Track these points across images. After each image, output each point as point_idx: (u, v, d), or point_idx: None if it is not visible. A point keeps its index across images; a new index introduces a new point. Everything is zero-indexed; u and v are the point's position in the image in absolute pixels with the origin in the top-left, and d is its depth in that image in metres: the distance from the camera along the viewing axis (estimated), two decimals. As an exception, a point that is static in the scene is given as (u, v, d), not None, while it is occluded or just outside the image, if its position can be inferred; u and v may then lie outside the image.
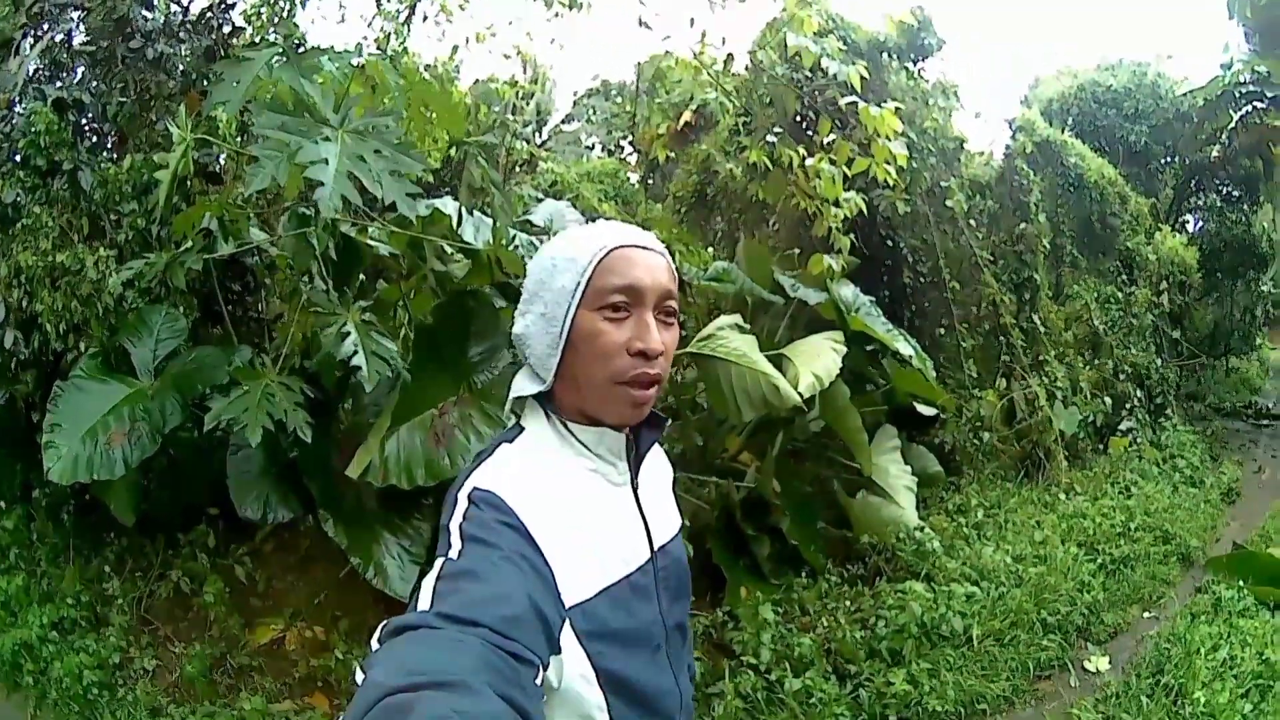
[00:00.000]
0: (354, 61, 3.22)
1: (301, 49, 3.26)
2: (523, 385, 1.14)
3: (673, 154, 8.29)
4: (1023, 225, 8.16)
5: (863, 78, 5.39)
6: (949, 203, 7.19)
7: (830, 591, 4.68)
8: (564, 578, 0.99)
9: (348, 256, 3.96)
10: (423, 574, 1.07)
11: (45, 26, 5.00)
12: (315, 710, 3.71)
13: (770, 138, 5.50)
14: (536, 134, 16.63)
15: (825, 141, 5.29)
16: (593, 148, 18.17)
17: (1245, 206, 13.88)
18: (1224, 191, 14.16)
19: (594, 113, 18.00)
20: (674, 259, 1.18)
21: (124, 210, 4.52)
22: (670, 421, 1.23)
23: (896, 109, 5.23)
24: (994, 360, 7.60)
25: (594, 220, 1.24)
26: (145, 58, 4.80)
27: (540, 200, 5.84)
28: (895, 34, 7.11)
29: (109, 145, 5.17)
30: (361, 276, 4.46)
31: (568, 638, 0.97)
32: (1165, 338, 10.92)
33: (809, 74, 5.99)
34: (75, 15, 5.03)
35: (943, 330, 7.25)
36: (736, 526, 4.93)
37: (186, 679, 3.88)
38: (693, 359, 4.50)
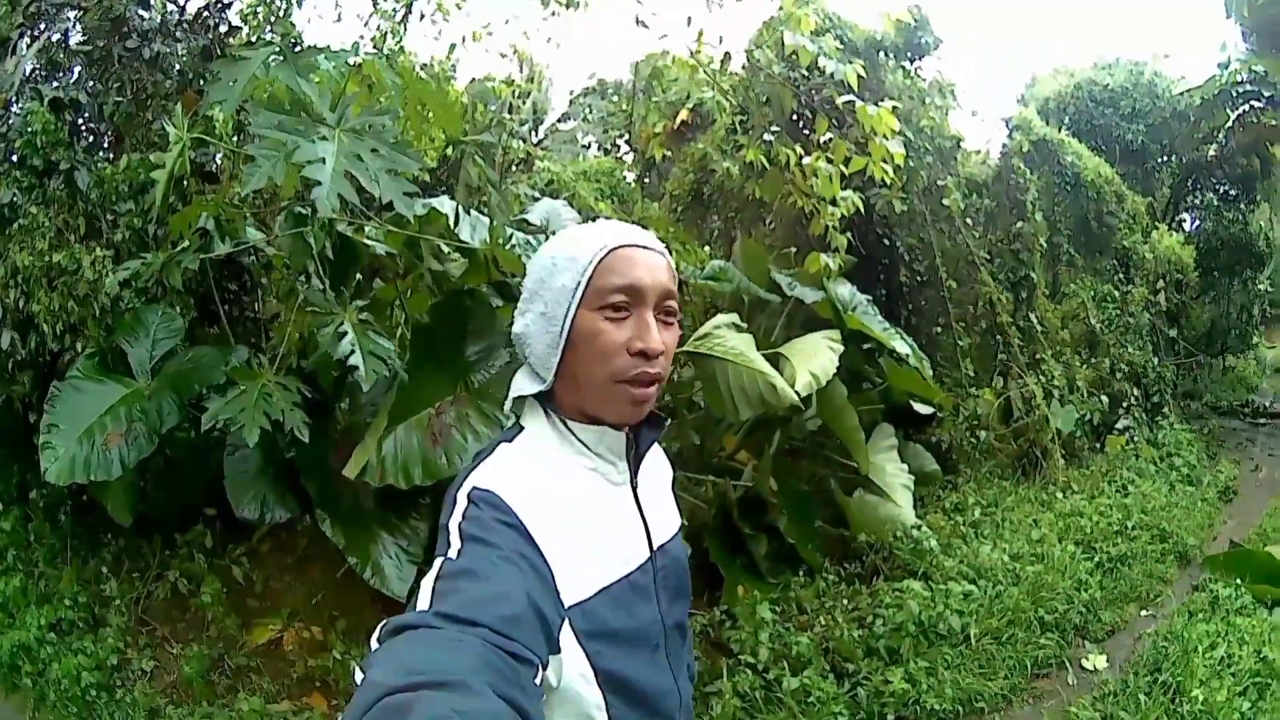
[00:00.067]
0: (351, 60, 3.21)
1: (298, 48, 3.25)
2: (522, 385, 1.14)
3: (669, 153, 8.28)
4: (1019, 224, 8.17)
5: (860, 76, 5.39)
6: (946, 201, 7.20)
7: (828, 590, 4.67)
8: (563, 577, 0.99)
9: (344, 256, 3.95)
10: (421, 574, 1.07)
11: (42, 26, 4.98)
12: (313, 710, 3.71)
13: (767, 136, 5.49)
14: (533, 133, 16.64)
15: (822, 140, 5.28)
16: (589, 146, 18.20)
17: (1242, 205, 13.91)
18: (1221, 190, 14.18)
19: (590, 111, 18.01)
20: (671, 258, 1.18)
21: (120, 210, 4.51)
22: (669, 421, 1.23)
23: (894, 108, 5.22)
24: (991, 359, 7.62)
25: (591, 219, 1.24)
26: (142, 57, 4.80)
27: (537, 199, 5.85)
28: (892, 33, 7.12)
29: (105, 145, 5.16)
30: (358, 276, 4.45)
31: (567, 637, 0.97)
32: (1162, 336, 10.93)
33: (806, 73, 5.99)
34: (72, 15, 5.01)
35: (939, 329, 7.26)
36: (734, 525, 4.93)
37: (184, 680, 3.88)
38: (690, 358, 4.49)
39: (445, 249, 4.28)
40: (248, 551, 4.43)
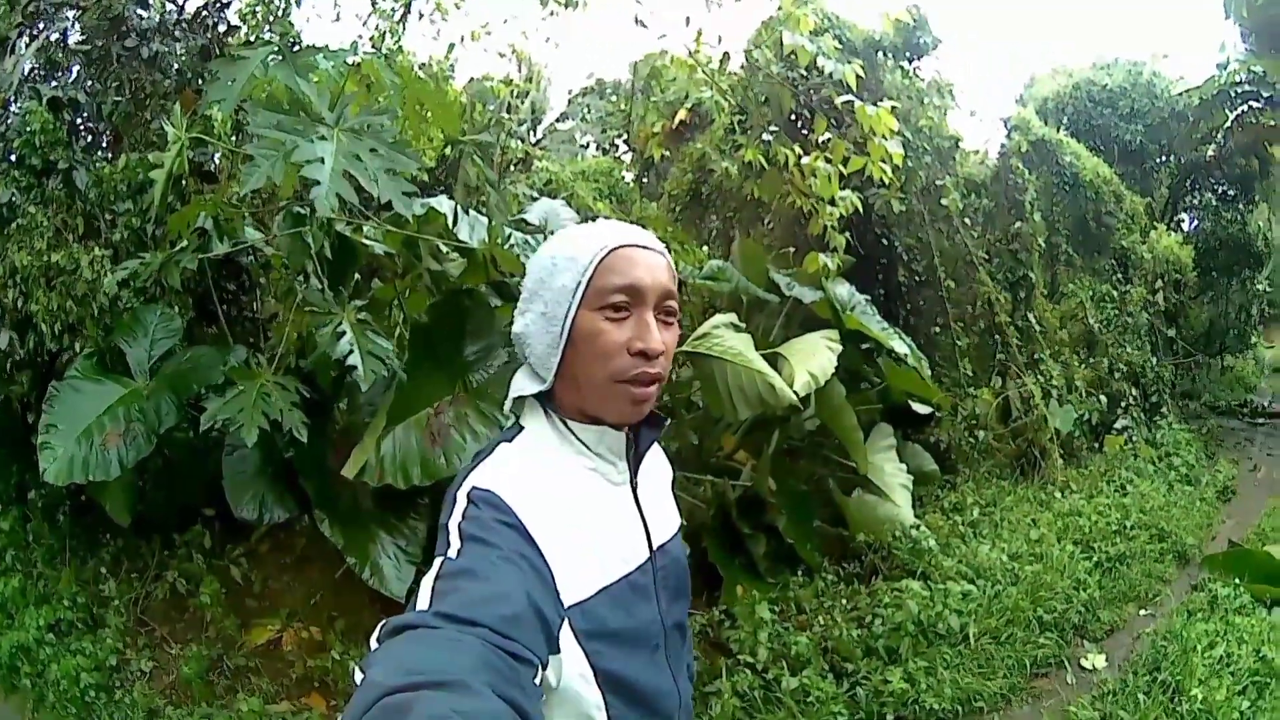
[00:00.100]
0: (349, 60, 3.21)
1: (297, 47, 3.24)
2: (522, 384, 1.14)
3: (668, 152, 8.28)
4: (1018, 224, 8.18)
5: (858, 76, 5.40)
6: (944, 201, 7.20)
7: (826, 590, 4.67)
8: (563, 577, 0.99)
9: (343, 255, 3.94)
10: (420, 574, 1.07)
11: (41, 25, 4.98)
12: (312, 711, 3.70)
13: (766, 136, 5.49)
14: (531, 132, 16.65)
15: (821, 140, 5.28)
16: (587, 146, 18.19)
17: (1241, 205, 13.93)
18: (1219, 190, 14.20)
19: (589, 111, 18.02)
20: (670, 258, 1.18)
21: (119, 210, 4.51)
22: (669, 421, 1.23)
23: (892, 108, 5.23)
24: (989, 359, 7.62)
25: (590, 219, 1.24)
26: (140, 56, 4.80)
27: (535, 199, 5.84)
28: (891, 33, 7.11)
29: (104, 144, 5.16)
30: (357, 275, 4.44)
31: (566, 637, 0.97)
32: (1160, 336, 10.95)
33: (805, 73, 5.99)
34: (70, 14, 5.01)
35: (938, 329, 7.26)
36: (732, 525, 4.93)
37: (183, 680, 3.87)
38: (688, 358, 4.49)
39: (444, 249, 4.27)
40: (246, 552, 4.43)
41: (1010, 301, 7.89)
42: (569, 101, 18.51)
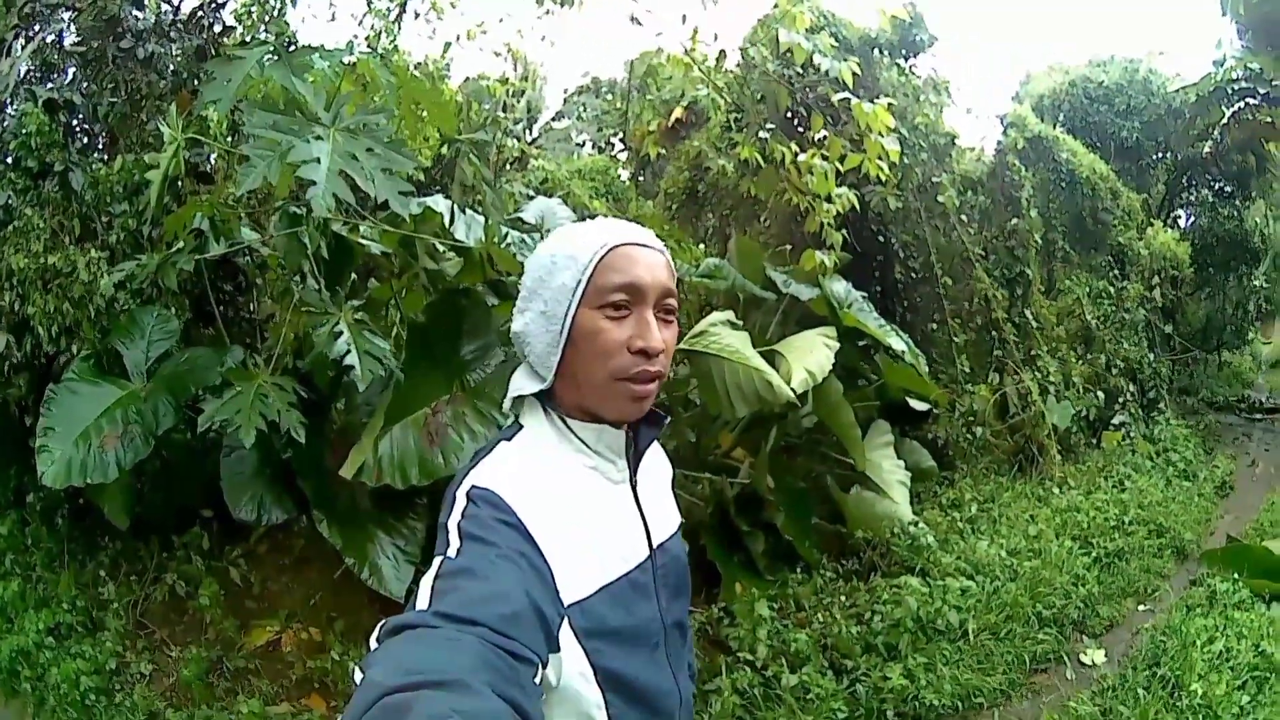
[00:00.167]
0: (345, 60, 3.21)
1: (293, 47, 3.24)
2: (522, 383, 1.14)
3: (664, 151, 8.26)
4: (1014, 221, 8.18)
5: (855, 74, 5.39)
6: (941, 198, 7.20)
7: (825, 587, 4.68)
8: (563, 575, 0.99)
9: (339, 255, 3.93)
10: (419, 573, 1.07)
11: (36, 27, 4.96)
12: (312, 712, 3.70)
13: (762, 134, 5.49)
14: (527, 131, 16.64)
15: (817, 137, 5.28)
16: (583, 145, 18.18)
17: (1237, 202, 13.93)
18: (1216, 187, 14.19)
19: (585, 110, 18.02)
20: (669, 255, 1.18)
21: (115, 211, 4.49)
22: (668, 419, 1.23)
23: (889, 105, 5.23)
24: (986, 355, 7.63)
25: (586, 218, 1.24)
26: (136, 57, 4.78)
27: (531, 198, 5.83)
28: (888, 30, 7.11)
29: (100, 146, 5.14)
30: (353, 275, 4.43)
31: (566, 636, 0.97)
32: (1157, 332, 10.96)
33: (801, 70, 5.98)
34: (66, 16, 4.99)
35: (935, 325, 7.27)
36: (731, 523, 4.93)
37: (183, 683, 3.87)
38: (685, 355, 4.49)
39: (440, 248, 4.26)
40: (245, 553, 4.42)
41: (1007, 298, 7.90)
42: (565, 100, 18.52)
